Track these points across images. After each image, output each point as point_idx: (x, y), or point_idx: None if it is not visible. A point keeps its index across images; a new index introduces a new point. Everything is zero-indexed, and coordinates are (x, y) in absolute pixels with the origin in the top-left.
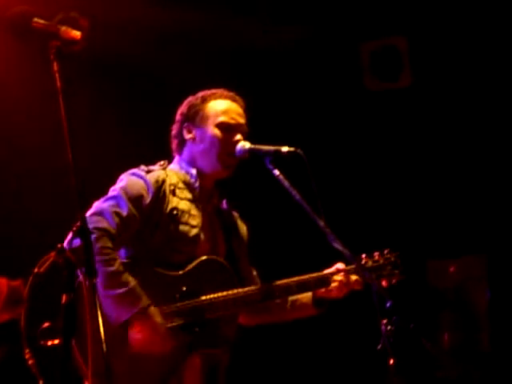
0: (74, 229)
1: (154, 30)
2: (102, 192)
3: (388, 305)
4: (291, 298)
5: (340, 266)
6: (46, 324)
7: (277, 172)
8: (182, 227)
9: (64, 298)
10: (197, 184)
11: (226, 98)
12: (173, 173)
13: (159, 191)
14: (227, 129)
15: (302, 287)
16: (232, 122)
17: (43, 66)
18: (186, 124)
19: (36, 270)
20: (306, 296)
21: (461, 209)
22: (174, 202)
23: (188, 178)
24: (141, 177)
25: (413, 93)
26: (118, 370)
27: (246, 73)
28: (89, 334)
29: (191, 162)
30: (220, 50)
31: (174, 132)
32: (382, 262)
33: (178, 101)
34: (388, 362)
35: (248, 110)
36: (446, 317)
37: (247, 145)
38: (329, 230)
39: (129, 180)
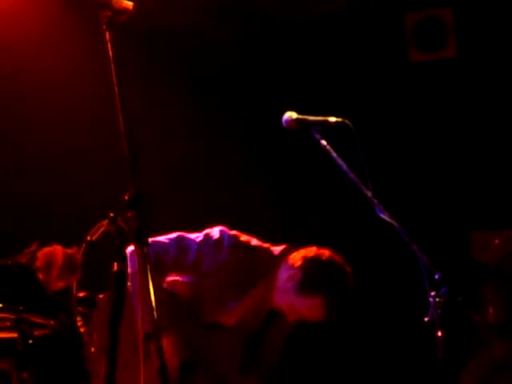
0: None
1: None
2: (153, 161)
3: (436, 277)
4: None
5: None
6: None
7: (324, 142)
8: None
9: (115, 266)
10: None
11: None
12: None
13: None
14: None
15: None
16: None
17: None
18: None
19: (88, 238)
20: None
21: (506, 179)
22: None
23: None
24: None
25: (458, 64)
26: None
27: (290, 44)
28: (140, 301)
29: None
30: (264, 21)
31: None
32: None
33: (227, 72)
34: (436, 333)
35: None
36: (490, 290)
37: (294, 115)
38: (376, 201)
39: None
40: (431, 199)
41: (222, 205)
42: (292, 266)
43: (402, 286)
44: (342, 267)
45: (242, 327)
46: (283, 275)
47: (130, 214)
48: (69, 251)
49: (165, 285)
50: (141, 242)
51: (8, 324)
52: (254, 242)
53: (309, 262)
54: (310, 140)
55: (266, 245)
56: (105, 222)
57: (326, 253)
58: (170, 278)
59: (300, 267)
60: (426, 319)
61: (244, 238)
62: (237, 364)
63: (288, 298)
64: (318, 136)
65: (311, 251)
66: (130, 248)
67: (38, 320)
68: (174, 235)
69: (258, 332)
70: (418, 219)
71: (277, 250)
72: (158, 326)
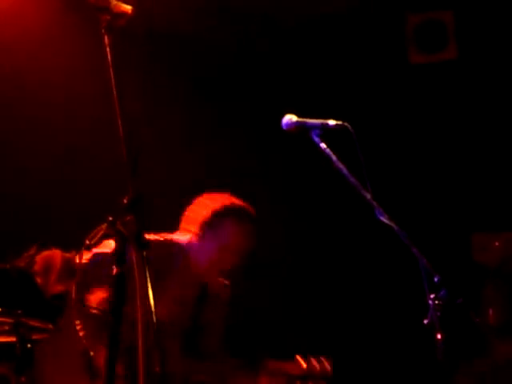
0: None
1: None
2: (152, 164)
3: (436, 279)
4: None
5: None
6: None
7: (324, 145)
8: None
9: (115, 269)
10: None
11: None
12: None
13: None
14: None
15: None
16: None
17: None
18: None
19: (87, 242)
20: None
21: (507, 182)
22: None
23: None
24: None
25: (458, 66)
26: None
27: (290, 45)
28: (138, 306)
29: None
30: (264, 21)
31: None
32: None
33: (228, 70)
34: (435, 336)
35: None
36: (491, 292)
37: (294, 118)
38: (376, 204)
39: None
40: (432, 202)
41: None
42: (200, 226)
43: (402, 288)
44: (236, 198)
45: (175, 321)
46: (196, 241)
47: (129, 218)
48: (67, 255)
49: (92, 304)
50: (140, 246)
51: (6, 328)
52: (161, 235)
53: (210, 209)
54: (309, 143)
55: (170, 235)
56: (104, 226)
57: (219, 195)
58: (97, 297)
59: (206, 220)
60: (425, 321)
61: (151, 235)
62: (179, 358)
63: (208, 248)
64: (317, 139)
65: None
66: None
67: (37, 324)
68: (89, 255)
69: (194, 321)
70: (419, 222)
71: (177, 235)
72: (158, 330)
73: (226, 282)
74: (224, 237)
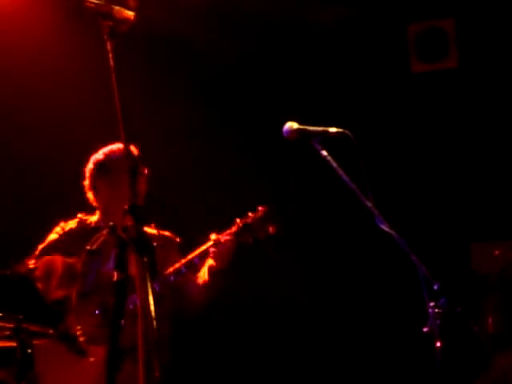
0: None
1: (203, 6)
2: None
3: (435, 287)
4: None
5: (213, 236)
6: None
7: (324, 152)
8: None
9: (115, 275)
10: None
11: None
12: None
13: None
14: None
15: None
16: None
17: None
18: None
19: (88, 247)
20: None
21: (506, 191)
22: None
23: None
24: None
25: (459, 74)
26: None
27: (291, 54)
28: (139, 310)
29: None
30: (265, 31)
31: None
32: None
33: (229, 77)
34: (435, 344)
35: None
36: (490, 301)
37: (295, 125)
38: (376, 211)
39: None
40: (432, 210)
41: (220, 206)
42: (89, 180)
43: (402, 296)
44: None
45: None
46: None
47: (129, 224)
48: (68, 260)
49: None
50: (140, 251)
51: (7, 333)
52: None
53: (93, 163)
54: (310, 150)
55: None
56: (104, 232)
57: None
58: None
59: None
60: (425, 329)
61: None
62: None
63: (110, 187)
64: (318, 146)
65: None
66: None
67: (37, 329)
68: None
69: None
70: (419, 230)
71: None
72: (158, 336)
73: (167, 234)
74: (112, 172)
